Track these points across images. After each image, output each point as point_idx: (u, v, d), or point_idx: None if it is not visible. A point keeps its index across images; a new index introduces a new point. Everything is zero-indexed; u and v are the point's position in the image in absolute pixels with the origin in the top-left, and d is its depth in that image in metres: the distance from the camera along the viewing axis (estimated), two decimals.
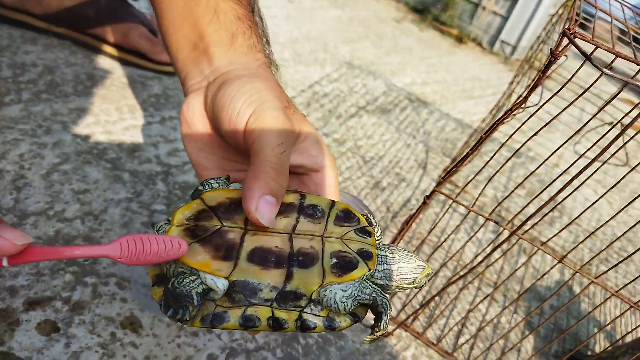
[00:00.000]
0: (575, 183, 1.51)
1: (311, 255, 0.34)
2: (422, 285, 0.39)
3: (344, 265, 0.34)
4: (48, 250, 0.29)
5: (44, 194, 0.69)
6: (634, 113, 2.29)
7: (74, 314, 0.57)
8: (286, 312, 0.33)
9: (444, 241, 0.70)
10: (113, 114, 0.91)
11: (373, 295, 0.35)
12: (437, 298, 0.83)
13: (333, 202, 0.38)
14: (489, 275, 0.95)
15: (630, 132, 1.98)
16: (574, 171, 1.40)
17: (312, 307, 0.34)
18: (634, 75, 0.47)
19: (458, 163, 0.60)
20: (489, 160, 0.56)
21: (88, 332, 0.55)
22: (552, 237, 0.58)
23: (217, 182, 0.39)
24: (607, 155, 1.80)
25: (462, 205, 0.61)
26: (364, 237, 0.36)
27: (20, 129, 0.78)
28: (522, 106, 0.62)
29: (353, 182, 1.06)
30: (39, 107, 0.84)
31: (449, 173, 0.61)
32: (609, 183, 1.60)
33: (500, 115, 0.69)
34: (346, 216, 0.37)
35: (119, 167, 0.79)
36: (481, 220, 1.12)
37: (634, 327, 0.72)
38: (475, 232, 0.62)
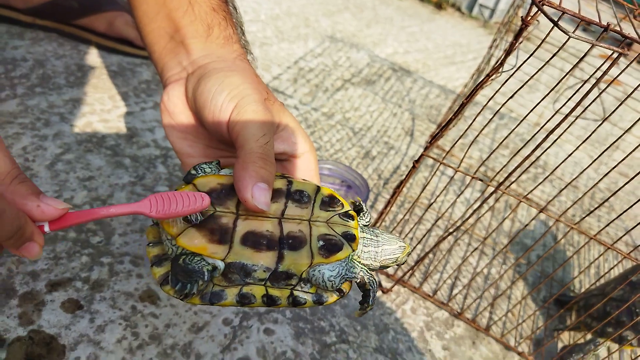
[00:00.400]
0: (557, 140, 1.56)
1: (300, 238, 0.38)
2: (403, 263, 0.43)
3: (330, 247, 0.38)
4: (85, 212, 0.32)
5: (51, 184, 0.72)
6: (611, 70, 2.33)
7: (94, 292, 0.61)
8: (279, 290, 0.37)
9: (434, 202, 0.75)
10: (107, 103, 0.93)
11: (360, 274, 0.40)
12: (430, 255, 0.88)
13: (318, 188, 0.42)
14: (478, 232, 1.00)
15: (606, 86, 2.03)
16: (553, 128, 1.45)
17: (302, 285, 0.38)
18: (598, 38, 0.51)
19: (443, 128, 0.64)
20: (472, 123, 0.60)
21: (110, 307, 0.59)
22: (533, 189, 0.63)
23: (209, 167, 0.41)
24: (584, 111, 1.84)
25: (450, 166, 0.65)
26: (347, 221, 0.40)
27: (20, 123, 0.80)
28: (500, 70, 0.65)
29: (344, 153, 1.10)
30: (35, 100, 0.86)
31: (435, 138, 0.65)
32: (590, 139, 1.66)
33: (481, 80, 0.73)
34: (331, 201, 0.41)
35: (119, 153, 0.83)
36: (469, 180, 1.17)
37: (615, 266, 0.78)
38: (462, 191, 0.67)
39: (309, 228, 0.38)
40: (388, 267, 0.43)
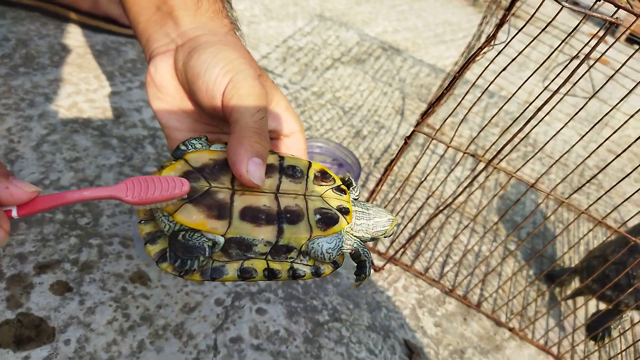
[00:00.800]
0: (546, 118, 1.57)
1: (297, 212, 0.38)
2: (391, 234, 0.43)
3: (327, 220, 0.38)
4: (56, 196, 0.30)
5: (37, 165, 0.71)
6: (599, 47, 2.34)
7: (84, 273, 0.60)
8: (279, 264, 0.37)
9: (424, 180, 0.74)
10: (92, 82, 0.91)
11: (355, 246, 0.40)
12: (422, 233, 0.88)
13: (310, 164, 0.42)
14: (468, 210, 1.01)
15: (597, 65, 2.04)
16: (541, 104, 1.45)
17: (302, 257, 0.38)
18: (592, 7, 0.50)
19: (434, 104, 0.63)
20: (461, 100, 0.60)
21: (99, 289, 0.59)
22: (523, 165, 0.63)
23: (199, 143, 0.40)
24: (573, 89, 1.85)
25: (441, 142, 0.65)
26: (340, 195, 0.41)
27: (4, 104, 0.78)
28: (492, 43, 0.65)
29: (335, 132, 1.09)
30: (19, 80, 0.84)
31: (426, 114, 0.64)
32: (579, 117, 1.66)
33: (472, 54, 0.72)
34: (323, 176, 0.41)
35: (106, 134, 0.81)
36: (459, 158, 1.17)
37: (604, 242, 0.79)
38: (453, 168, 0.66)
39: (305, 202, 0.39)
40: (377, 239, 0.43)
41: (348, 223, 0.39)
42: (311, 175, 0.41)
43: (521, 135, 1.40)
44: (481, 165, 1.14)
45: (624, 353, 0.80)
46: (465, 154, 0.63)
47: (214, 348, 0.57)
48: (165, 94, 0.43)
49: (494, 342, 0.74)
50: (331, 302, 0.69)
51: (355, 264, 0.42)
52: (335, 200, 0.40)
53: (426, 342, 0.69)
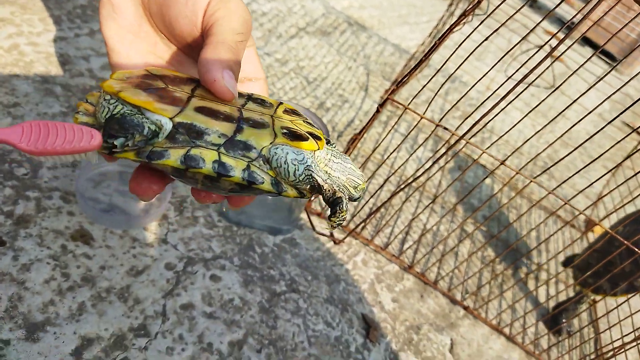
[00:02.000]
0: (506, 106, 1.59)
1: (261, 122, 0.32)
2: (357, 199, 0.38)
3: (294, 135, 0.32)
4: None
5: None
6: (558, 46, 2.40)
7: (19, 227, 0.54)
8: (234, 160, 0.31)
9: (387, 158, 0.72)
10: (37, 25, 0.82)
11: (329, 182, 0.35)
12: (382, 210, 0.87)
13: (280, 102, 0.38)
14: (428, 189, 1.00)
15: (553, 60, 2.09)
16: (503, 93, 1.47)
17: (261, 162, 0.32)
18: (554, 9, 0.49)
19: (408, 74, 0.61)
20: (435, 74, 0.58)
21: (36, 245, 0.53)
22: (492, 144, 0.62)
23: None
24: (537, 79, 1.89)
25: (415, 112, 0.63)
26: (313, 126, 0.36)
27: None
28: (467, 19, 0.63)
29: (298, 102, 1.05)
30: None
31: (401, 82, 0.62)
32: (541, 109, 1.70)
33: (440, 35, 0.70)
34: (294, 112, 0.37)
35: (50, 81, 0.73)
36: (420, 139, 1.17)
37: (555, 232, 0.80)
38: (423, 142, 0.65)
39: (272, 120, 0.34)
40: (346, 193, 0.38)
41: (319, 148, 0.34)
42: (281, 108, 0.37)
43: (485, 119, 1.42)
44: (452, 140, 1.13)
45: (575, 339, 0.82)
46: (438, 126, 0.61)
47: (162, 314, 0.53)
48: (120, 14, 0.37)
49: (449, 320, 0.73)
50: (289, 272, 0.66)
51: (329, 206, 0.37)
52: (307, 127, 0.35)
53: (383, 317, 0.68)
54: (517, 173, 0.63)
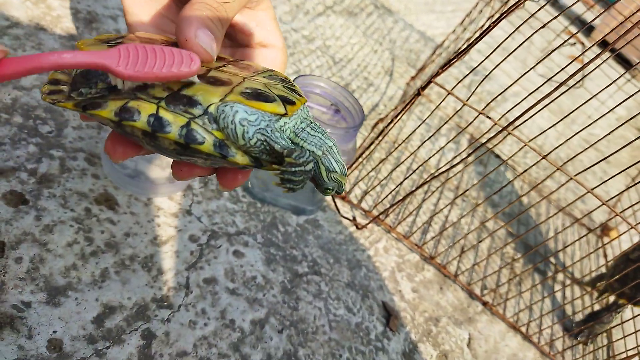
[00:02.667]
0: (525, 105, 1.57)
1: (223, 80, 0.29)
2: (327, 189, 0.32)
3: (256, 94, 0.28)
4: (27, 59, 0.22)
5: None
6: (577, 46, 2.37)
7: (42, 186, 0.52)
8: (173, 115, 0.28)
9: (418, 148, 0.70)
10: None
11: (291, 147, 0.30)
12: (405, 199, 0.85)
13: (273, 71, 0.33)
14: (450, 182, 0.98)
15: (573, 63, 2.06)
16: (536, 91, 1.44)
17: (207, 121, 0.28)
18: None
19: (458, 56, 0.59)
20: (482, 61, 0.55)
21: (60, 206, 0.51)
22: (536, 137, 0.60)
23: None
24: (569, 79, 1.86)
25: (458, 98, 0.61)
26: (293, 93, 0.30)
27: None
28: (522, 5, 0.60)
29: None
30: None
31: (448, 65, 0.60)
32: (552, 109, 1.67)
33: (476, 35, 0.67)
34: (289, 84, 0.31)
35: (76, 38, 0.71)
36: (444, 131, 1.14)
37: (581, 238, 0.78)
38: (459, 133, 0.63)
39: (241, 80, 0.29)
40: (323, 179, 0.31)
41: (286, 113, 0.29)
42: (266, 73, 0.32)
43: (528, 114, 1.39)
44: (494, 130, 1.11)
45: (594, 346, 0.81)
46: (481, 114, 0.59)
47: (185, 287, 0.51)
48: None
49: (467, 314, 0.72)
50: (311, 254, 0.64)
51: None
52: (281, 92, 0.30)
53: (403, 306, 0.66)
54: (558, 169, 0.61)
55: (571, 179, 0.60)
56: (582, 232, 1.13)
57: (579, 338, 0.80)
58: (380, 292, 0.66)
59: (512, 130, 0.60)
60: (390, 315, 0.63)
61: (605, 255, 1.10)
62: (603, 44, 2.88)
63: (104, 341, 0.43)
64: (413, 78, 1.22)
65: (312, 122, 0.30)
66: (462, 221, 0.90)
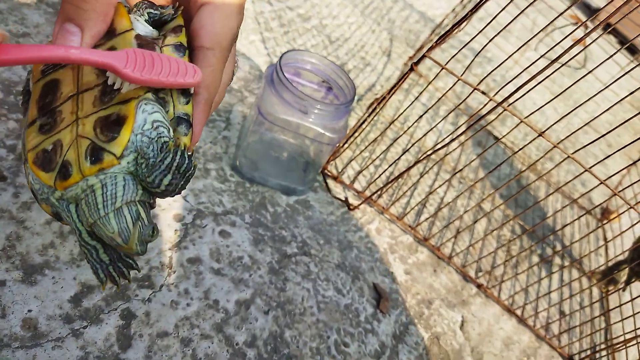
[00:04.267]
0: (538, 85, 1.54)
1: (53, 125, 0.28)
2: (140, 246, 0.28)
3: (43, 159, 0.28)
4: (29, 48, 0.22)
5: None
6: (590, 32, 2.34)
7: (21, 163, 0.50)
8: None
9: (411, 125, 0.68)
10: None
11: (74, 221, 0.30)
12: (399, 180, 0.83)
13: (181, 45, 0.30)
14: (447, 162, 0.96)
15: (575, 42, 2.02)
16: (533, 69, 1.42)
17: None
18: None
19: (450, 31, 0.57)
20: (476, 36, 0.53)
21: None
22: (532, 113, 0.58)
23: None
24: (567, 59, 1.82)
25: (452, 73, 0.59)
26: (106, 145, 0.27)
27: None
28: None
29: None
30: None
31: (441, 39, 0.58)
32: (555, 90, 1.65)
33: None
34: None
35: None
36: (441, 111, 1.12)
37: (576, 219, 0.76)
38: (453, 111, 0.60)
39: (70, 123, 0.27)
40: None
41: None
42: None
43: (521, 92, 1.37)
44: (488, 107, 1.09)
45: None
46: (476, 89, 0.57)
47: (168, 266, 0.50)
48: None
49: (460, 297, 0.71)
50: (301, 234, 0.63)
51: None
52: (81, 148, 0.27)
53: (395, 288, 0.65)
54: (555, 146, 0.59)
55: (568, 157, 0.58)
56: (587, 219, 1.12)
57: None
58: (372, 274, 0.64)
59: (508, 106, 0.58)
60: (381, 297, 0.62)
61: (605, 238, 1.08)
62: (609, 27, 2.83)
63: (81, 320, 0.42)
64: (411, 58, 1.19)
65: (95, 190, 0.27)
66: (459, 203, 0.89)
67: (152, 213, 0.54)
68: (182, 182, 0.29)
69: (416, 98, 0.64)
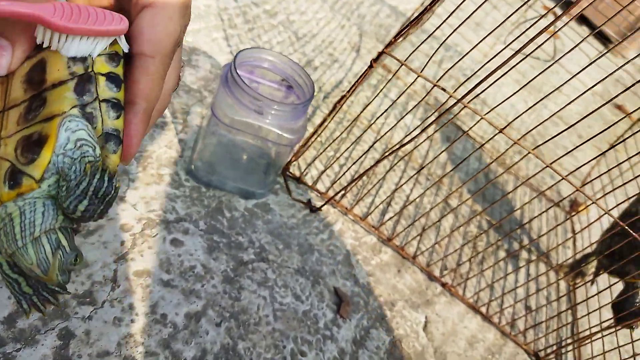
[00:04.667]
0: (503, 75, 1.54)
1: None
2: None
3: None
4: None
5: None
6: (555, 21, 2.34)
7: None
8: None
9: (374, 121, 0.67)
10: None
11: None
12: (364, 178, 0.82)
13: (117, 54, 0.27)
14: (415, 159, 0.95)
15: (550, 36, 2.03)
16: (500, 62, 1.42)
17: None
18: None
19: (410, 24, 0.56)
20: (434, 31, 0.52)
21: None
22: (487, 112, 0.57)
23: None
24: (533, 49, 1.83)
25: (412, 70, 0.57)
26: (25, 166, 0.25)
27: None
28: None
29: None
30: None
31: (400, 35, 0.57)
32: (525, 81, 1.65)
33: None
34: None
35: None
36: (410, 107, 1.11)
37: (544, 212, 0.76)
38: (414, 107, 0.59)
39: None
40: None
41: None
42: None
43: (483, 86, 1.36)
44: (449, 103, 1.08)
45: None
46: (436, 86, 0.56)
47: (112, 280, 0.48)
48: None
49: (425, 297, 0.70)
50: (259, 240, 0.61)
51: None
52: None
53: (357, 291, 0.64)
54: (515, 143, 0.58)
55: (529, 152, 0.58)
56: (555, 211, 1.12)
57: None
58: (333, 278, 0.63)
59: (468, 102, 0.57)
60: (342, 302, 0.61)
61: (573, 231, 1.09)
62: (581, 19, 2.85)
63: (14, 343, 0.40)
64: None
65: (13, 219, 0.25)
66: (425, 200, 0.88)
67: (97, 222, 0.52)
68: (101, 207, 0.27)
69: (376, 95, 0.62)
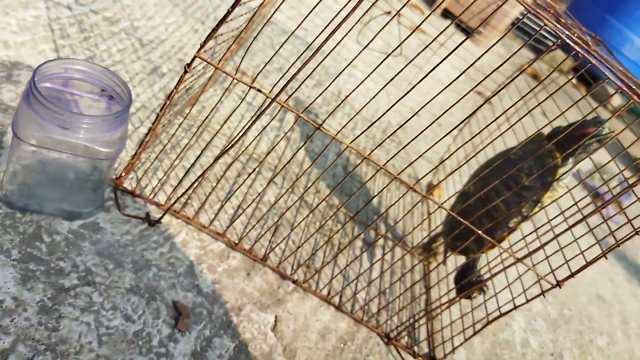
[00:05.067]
0: (358, 75, 1.61)
1: None
2: None
3: None
4: None
5: None
6: (416, 17, 2.50)
7: None
8: None
9: (224, 124, 0.67)
10: None
11: None
12: (213, 183, 0.81)
13: None
14: (270, 160, 0.96)
15: (411, 32, 2.16)
16: (357, 61, 1.48)
17: None
18: None
19: (219, 24, 0.56)
20: (240, 34, 0.52)
21: None
22: (309, 105, 0.59)
23: None
24: (387, 48, 1.93)
25: (225, 72, 0.57)
26: None
27: None
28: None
29: (125, 65, 0.94)
30: None
31: (209, 36, 0.56)
32: (389, 76, 1.74)
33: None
34: None
35: None
36: (271, 110, 1.12)
37: (400, 198, 0.80)
38: (258, 113, 0.60)
39: None
40: None
41: None
42: None
43: (330, 87, 1.41)
44: (266, 103, 1.10)
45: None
46: (252, 88, 0.57)
47: None
48: None
49: (276, 296, 0.71)
50: (85, 262, 0.58)
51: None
52: None
53: (200, 301, 0.63)
54: (348, 146, 0.61)
55: (365, 158, 0.60)
56: (412, 197, 1.19)
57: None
58: (172, 291, 0.62)
59: (285, 101, 0.59)
60: (180, 315, 0.59)
61: (428, 212, 1.17)
62: (446, 15, 3.07)
63: None
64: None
65: None
66: (281, 201, 0.89)
67: None
68: None
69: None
